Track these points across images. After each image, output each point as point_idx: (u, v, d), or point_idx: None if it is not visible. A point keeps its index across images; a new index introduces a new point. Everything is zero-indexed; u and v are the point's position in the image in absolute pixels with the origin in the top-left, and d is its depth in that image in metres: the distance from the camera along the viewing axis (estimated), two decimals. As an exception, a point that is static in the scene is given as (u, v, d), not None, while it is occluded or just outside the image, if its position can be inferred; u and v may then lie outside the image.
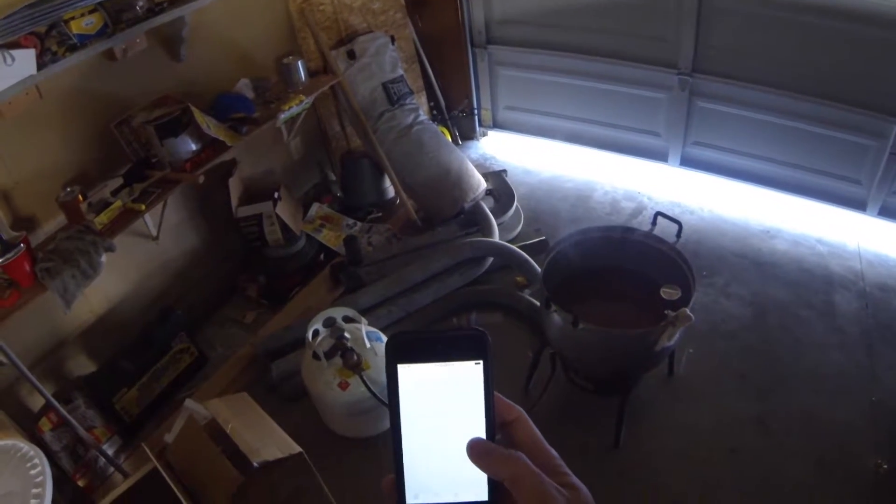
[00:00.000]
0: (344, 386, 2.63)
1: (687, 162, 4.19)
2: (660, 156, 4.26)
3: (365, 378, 2.60)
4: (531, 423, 0.60)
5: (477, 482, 0.57)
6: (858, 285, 3.38)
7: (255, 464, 1.93)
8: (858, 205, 3.66)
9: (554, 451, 0.59)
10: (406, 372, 0.57)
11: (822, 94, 3.43)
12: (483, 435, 0.57)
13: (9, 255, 2.39)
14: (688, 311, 2.30)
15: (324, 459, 2.27)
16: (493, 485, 0.56)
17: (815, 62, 3.37)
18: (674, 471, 2.69)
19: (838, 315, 3.24)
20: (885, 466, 2.57)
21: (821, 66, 3.36)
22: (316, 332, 2.76)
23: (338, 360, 2.64)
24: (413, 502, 0.57)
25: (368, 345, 2.69)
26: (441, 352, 0.58)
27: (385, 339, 2.81)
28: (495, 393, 0.58)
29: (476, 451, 0.56)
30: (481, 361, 0.57)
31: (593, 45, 4.04)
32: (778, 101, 3.56)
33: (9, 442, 1.69)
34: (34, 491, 1.54)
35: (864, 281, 3.40)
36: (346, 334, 2.69)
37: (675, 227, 2.69)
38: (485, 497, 0.56)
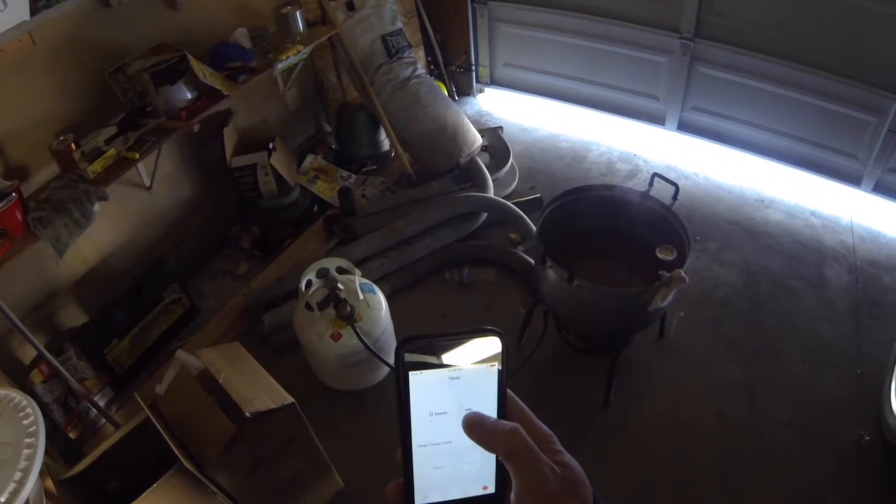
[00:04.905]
0: (336, 337, 2.64)
1: (684, 127, 4.17)
2: (657, 119, 4.24)
3: (357, 330, 2.60)
4: (519, 400, 0.58)
5: (485, 476, 0.56)
6: (849, 260, 3.41)
7: (247, 414, 1.94)
8: (854, 180, 3.66)
9: (547, 429, 0.57)
10: (418, 378, 0.55)
11: (823, 67, 3.40)
12: None
13: (0, 205, 2.35)
14: (682, 272, 2.31)
15: (313, 411, 2.28)
16: (500, 477, 0.56)
17: (819, 34, 3.33)
18: (660, 433, 2.73)
19: (828, 288, 3.27)
20: (868, 438, 2.61)
21: (824, 38, 3.33)
22: (309, 283, 2.74)
23: (330, 311, 2.63)
24: (422, 503, 0.56)
25: (361, 296, 2.68)
26: (456, 356, 0.55)
27: (378, 291, 2.81)
28: None
29: (471, 425, 0.55)
30: (496, 364, 0.56)
31: (595, 4, 3.99)
32: (779, 70, 3.53)
33: (1, 391, 1.68)
34: (27, 441, 1.54)
35: (856, 256, 3.42)
36: (340, 285, 2.68)
37: (671, 189, 2.68)
38: (492, 490, 0.56)
